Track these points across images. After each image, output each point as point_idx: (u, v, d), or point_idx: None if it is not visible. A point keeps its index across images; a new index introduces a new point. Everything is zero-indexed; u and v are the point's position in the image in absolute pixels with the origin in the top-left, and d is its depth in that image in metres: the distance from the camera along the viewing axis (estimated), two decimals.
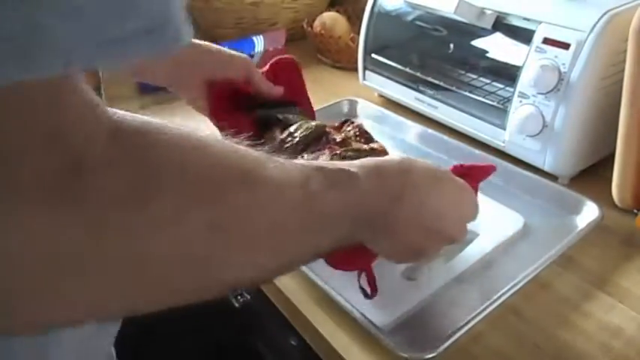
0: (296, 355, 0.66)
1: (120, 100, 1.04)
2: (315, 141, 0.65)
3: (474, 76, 0.81)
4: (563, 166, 0.71)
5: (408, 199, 0.43)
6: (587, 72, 0.65)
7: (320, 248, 0.39)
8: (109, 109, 0.26)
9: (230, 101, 0.68)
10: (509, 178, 0.72)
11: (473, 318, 0.52)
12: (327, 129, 0.67)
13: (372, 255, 0.49)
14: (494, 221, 0.64)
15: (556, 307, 0.55)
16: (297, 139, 0.65)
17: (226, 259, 0.30)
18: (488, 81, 0.79)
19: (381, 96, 0.98)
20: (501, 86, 0.77)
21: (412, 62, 0.89)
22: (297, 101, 0.74)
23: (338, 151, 0.61)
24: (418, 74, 0.87)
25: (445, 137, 0.81)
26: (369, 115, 0.91)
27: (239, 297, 0.79)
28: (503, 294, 0.54)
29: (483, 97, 0.78)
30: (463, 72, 0.82)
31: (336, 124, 0.71)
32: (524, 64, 0.70)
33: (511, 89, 0.73)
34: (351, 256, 0.48)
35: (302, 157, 0.64)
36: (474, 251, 0.61)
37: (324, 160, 0.61)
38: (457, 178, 0.49)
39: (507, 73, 0.74)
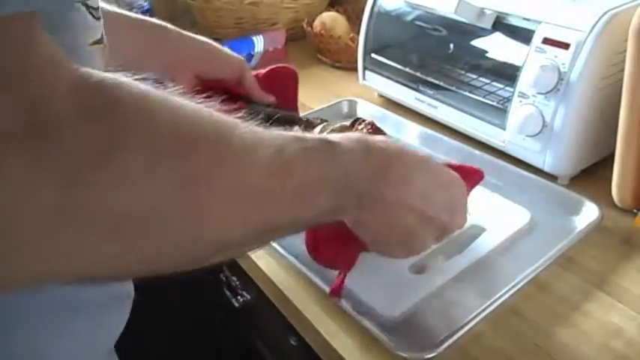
0: (296, 355, 0.66)
1: None
2: None
3: (474, 76, 0.81)
4: (562, 166, 0.71)
5: (392, 175, 0.42)
6: (587, 72, 0.65)
7: (299, 219, 0.38)
8: (74, 64, 0.25)
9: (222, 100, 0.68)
10: (508, 178, 0.72)
11: (473, 318, 0.52)
12: (349, 131, 0.68)
13: (356, 247, 0.48)
14: (500, 215, 0.65)
15: (556, 307, 0.55)
16: None
17: (201, 218, 0.30)
18: (488, 81, 0.79)
19: (380, 96, 0.98)
20: (501, 86, 0.77)
21: (412, 62, 0.89)
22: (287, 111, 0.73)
23: None
24: (418, 74, 0.87)
25: (445, 137, 0.81)
26: (368, 116, 0.91)
27: (239, 297, 0.79)
28: (503, 294, 0.54)
29: (483, 97, 0.78)
30: (463, 72, 0.82)
31: (348, 124, 0.73)
32: (524, 64, 0.70)
33: (511, 89, 0.73)
34: (335, 244, 0.47)
35: None
36: (481, 245, 0.62)
37: None
38: (446, 167, 0.48)
39: (507, 73, 0.74)
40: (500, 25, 0.74)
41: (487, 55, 0.79)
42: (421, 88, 0.86)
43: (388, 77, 0.92)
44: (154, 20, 0.64)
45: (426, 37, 0.86)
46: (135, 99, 0.27)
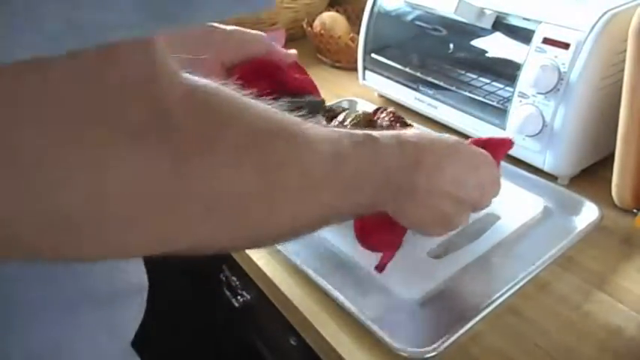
0: (296, 355, 0.66)
1: None
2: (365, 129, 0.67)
3: (474, 76, 0.81)
4: (562, 166, 0.71)
5: (425, 166, 0.45)
6: (586, 72, 0.65)
7: (340, 210, 0.41)
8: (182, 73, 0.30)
9: (250, 86, 0.66)
10: (508, 178, 0.72)
11: (473, 318, 0.52)
12: (372, 119, 0.69)
13: (400, 232, 0.52)
14: (514, 203, 0.67)
15: (556, 307, 0.55)
16: (349, 127, 0.67)
17: (278, 200, 0.35)
18: (488, 81, 0.79)
19: (380, 96, 0.98)
20: (501, 86, 0.77)
21: (412, 62, 0.89)
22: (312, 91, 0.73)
23: None
24: (418, 74, 0.87)
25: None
26: None
27: (239, 297, 0.79)
28: (503, 294, 0.54)
29: (483, 97, 0.78)
30: (463, 72, 0.82)
31: (371, 111, 0.74)
32: (524, 64, 0.70)
33: (511, 89, 0.73)
34: (381, 231, 0.51)
35: None
36: (496, 233, 0.63)
37: None
38: (475, 147, 0.51)
39: (507, 73, 0.74)
40: (500, 25, 0.74)
41: (487, 55, 0.79)
42: (421, 88, 0.86)
43: (388, 77, 0.92)
44: None
45: (426, 37, 0.86)
46: (228, 102, 0.32)
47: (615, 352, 0.50)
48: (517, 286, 0.55)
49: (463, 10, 0.74)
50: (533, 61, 0.69)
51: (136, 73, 0.26)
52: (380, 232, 0.53)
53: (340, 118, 0.70)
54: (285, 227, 0.38)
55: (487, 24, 0.75)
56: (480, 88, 0.79)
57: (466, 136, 0.81)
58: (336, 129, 0.41)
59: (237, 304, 0.79)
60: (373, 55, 0.94)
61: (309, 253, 0.63)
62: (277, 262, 0.62)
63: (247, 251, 0.65)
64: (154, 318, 1.08)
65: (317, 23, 1.17)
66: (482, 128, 0.78)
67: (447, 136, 0.50)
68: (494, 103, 0.76)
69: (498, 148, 0.55)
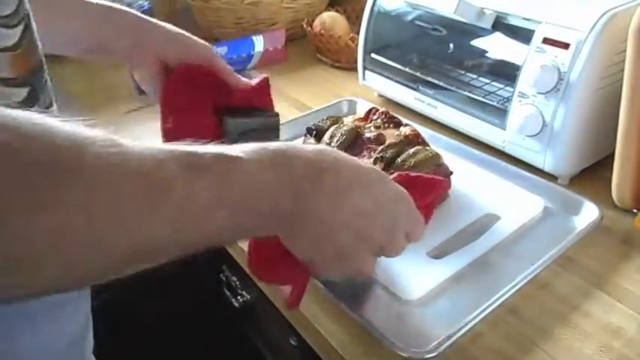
0: (296, 355, 0.66)
1: (119, 100, 1.04)
2: (352, 145, 0.68)
3: (474, 76, 0.81)
4: (562, 166, 0.71)
5: (324, 188, 0.39)
6: (586, 72, 0.65)
7: (187, 242, 0.35)
8: None
9: (188, 91, 0.60)
10: (508, 178, 0.72)
11: (473, 318, 0.52)
12: (359, 130, 0.69)
13: (297, 266, 0.43)
14: (514, 203, 0.67)
15: (556, 307, 0.55)
16: (335, 149, 0.67)
17: (87, 238, 0.30)
18: (488, 81, 0.79)
19: (380, 96, 0.98)
20: (501, 86, 0.77)
21: (412, 62, 0.89)
22: (264, 104, 0.65)
23: (379, 154, 0.65)
24: (418, 74, 0.87)
25: (445, 137, 0.81)
26: None
27: (239, 297, 0.79)
28: (503, 294, 0.54)
29: (483, 97, 0.78)
30: (463, 72, 0.82)
31: (362, 115, 0.75)
32: (523, 64, 0.70)
33: (511, 89, 0.73)
34: (280, 261, 0.43)
35: None
36: (496, 233, 0.63)
37: (365, 163, 0.63)
38: (396, 184, 0.44)
39: (507, 73, 0.74)
40: (500, 25, 0.74)
41: (487, 55, 0.79)
42: (421, 88, 0.86)
43: (388, 77, 0.92)
44: (116, 5, 0.63)
45: (426, 37, 0.86)
46: (17, 131, 0.27)
47: (615, 352, 0.50)
48: (517, 286, 0.55)
49: (463, 10, 0.74)
50: (533, 61, 0.69)
51: None
52: (280, 264, 0.44)
53: (326, 138, 0.70)
54: (100, 266, 0.33)
55: (487, 24, 0.75)
56: (480, 88, 0.79)
57: (466, 136, 0.81)
58: (168, 148, 0.34)
59: (237, 304, 0.79)
60: (373, 55, 0.94)
61: None
62: None
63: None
64: (154, 318, 1.08)
65: (317, 23, 1.17)
66: (482, 128, 0.78)
67: (359, 161, 0.44)
68: (494, 103, 0.76)
69: (427, 189, 0.48)
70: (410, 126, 0.72)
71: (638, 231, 0.64)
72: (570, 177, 0.73)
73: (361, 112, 0.92)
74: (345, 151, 0.67)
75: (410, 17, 0.88)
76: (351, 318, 0.54)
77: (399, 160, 0.64)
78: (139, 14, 0.64)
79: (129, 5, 1.18)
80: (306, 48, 1.22)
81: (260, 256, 0.46)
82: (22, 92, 0.40)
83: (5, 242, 0.27)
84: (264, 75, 0.66)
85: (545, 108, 0.68)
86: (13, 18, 0.37)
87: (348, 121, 0.74)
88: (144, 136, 0.95)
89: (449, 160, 0.69)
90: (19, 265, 0.28)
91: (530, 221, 0.65)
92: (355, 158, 0.43)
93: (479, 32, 0.78)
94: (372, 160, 0.65)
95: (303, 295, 0.49)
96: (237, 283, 0.79)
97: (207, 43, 0.64)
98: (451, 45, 0.83)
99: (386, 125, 0.72)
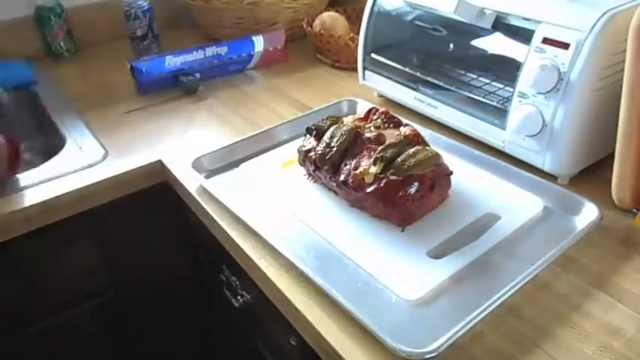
0: (296, 355, 0.66)
1: (119, 100, 1.04)
2: (352, 145, 0.68)
3: (474, 76, 0.81)
4: (562, 166, 0.71)
5: None
6: (586, 72, 0.65)
7: None
8: None
9: None
10: (508, 178, 0.72)
11: (473, 318, 0.52)
12: (359, 130, 0.69)
13: None
14: (514, 203, 0.67)
15: (556, 307, 0.55)
16: (335, 148, 0.68)
17: None
18: (487, 81, 0.79)
19: (380, 96, 0.98)
20: (501, 86, 0.77)
21: (412, 62, 0.89)
22: None
23: (379, 154, 0.65)
24: (418, 74, 0.87)
25: (445, 137, 0.81)
26: None
27: (239, 297, 0.79)
28: (503, 294, 0.54)
29: (483, 97, 0.78)
30: (463, 72, 0.82)
31: (362, 115, 0.75)
32: (523, 64, 0.70)
33: (511, 89, 0.73)
34: None
35: (345, 165, 0.67)
36: (496, 233, 0.63)
37: (365, 163, 0.65)
38: None
39: (507, 73, 0.74)
40: (500, 25, 0.74)
41: (487, 55, 0.79)
42: (421, 88, 0.86)
43: (388, 77, 0.92)
44: None
45: (426, 37, 0.86)
46: None
47: (615, 352, 0.50)
48: (517, 286, 0.55)
49: (463, 10, 0.74)
50: (532, 61, 0.69)
51: None
52: None
53: (326, 139, 0.70)
54: None
55: (487, 24, 0.75)
56: (480, 88, 0.79)
57: (466, 136, 0.81)
58: None
59: (237, 304, 0.79)
60: (373, 55, 0.94)
61: (309, 253, 0.63)
62: (277, 263, 0.62)
63: (247, 251, 0.65)
64: (154, 318, 1.08)
65: (317, 23, 1.17)
66: (482, 128, 0.78)
67: None
68: (494, 103, 0.76)
69: None
70: (410, 126, 0.72)
71: (638, 231, 0.64)
72: (570, 177, 0.73)
73: (361, 112, 0.93)
74: (345, 151, 0.68)
75: (410, 17, 0.88)
76: (351, 318, 0.54)
77: (399, 160, 0.64)
78: None
79: (129, 5, 1.18)
80: (306, 48, 1.22)
81: None
82: None
83: None
84: None
85: (544, 108, 0.68)
86: None
87: (348, 121, 0.74)
88: (144, 136, 0.96)
89: (449, 160, 0.69)
90: None
91: (530, 221, 0.65)
92: None
93: (479, 32, 0.78)
94: (372, 160, 0.65)
95: None
96: (237, 283, 0.79)
97: None
98: (451, 45, 0.83)
99: (386, 125, 0.72)
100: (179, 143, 0.90)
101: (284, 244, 0.63)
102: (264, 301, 0.64)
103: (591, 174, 0.73)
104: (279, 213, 0.70)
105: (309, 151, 0.72)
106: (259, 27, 1.22)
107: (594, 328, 0.53)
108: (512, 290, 0.55)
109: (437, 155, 0.66)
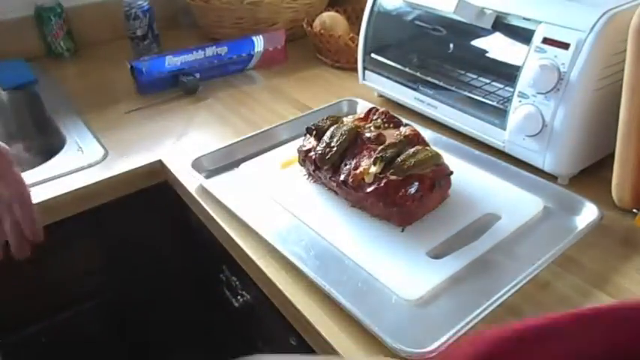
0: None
1: (119, 100, 1.04)
2: (352, 145, 0.68)
3: (474, 76, 0.81)
4: (562, 166, 0.71)
5: None
6: (586, 72, 0.65)
7: None
8: None
9: None
10: (508, 178, 0.72)
11: (473, 318, 0.52)
12: (359, 130, 0.69)
13: None
14: (514, 203, 0.67)
15: (556, 307, 0.55)
16: (335, 148, 0.68)
17: None
18: (487, 81, 0.79)
19: (380, 96, 0.98)
20: (501, 86, 0.77)
21: (412, 62, 0.89)
22: None
23: (379, 154, 0.64)
24: (418, 74, 0.87)
25: (445, 137, 0.81)
26: None
27: (239, 297, 0.79)
28: (503, 294, 0.54)
29: (483, 97, 0.78)
30: (463, 72, 0.82)
31: (362, 115, 0.75)
32: (523, 64, 0.70)
33: (511, 89, 0.73)
34: None
35: (345, 165, 0.68)
36: (496, 233, 0.63)
37: (365, 163, 0.65)
38: None
39: (507, 73, 0.74)
40: (500, 25, 0.74)
41: (487, 55, 0.79)
42: (421, 88, 0.86)
43: (388, 77, 0.92)
44: None
45: (426, 37, 0.86)
46: None
47: None
48: (517, 286, 0.55)
49: (463, 10, 0.74)
50: (532, 61, 0.69)
51: None
52: None
53: (326, 139, 0.70)
54: None
55: (487, 24, 0.75)
56: (480, 88, 0.79)
57: (466, 136, 0.81)
58: None
59: (237, 304, 0.79)
60: (373, 55, 0.94)
61: (309, 253, 0.63)
62: (277, 263, 0.62)
63: (247, 251, 0.65)
64: (154, 318, 1.08)
65: (317, 23, 1.17)
66: (482, 128, 0.78)
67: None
68: (494, 103, 0.76)
69: None
70: (410, 126, 0.72)
71: (638, 231, 0.64)
72: (570, 177, 0.73)
73: (361, 112, 0.93)
74: (345, 151, 0.68)
75: (410, 17, 0.88)
76: (351, 318, 0.54)
77: (399, 160, 0.64)
78: None
79: (129, 5, 1.18)
80: (306, 48, 1.22)
81: None
82: None
83: None
84: None
85: (544, 108, 0.68)
86: None
87: (348, 121, 0.74)
88: (144, 136, 0.96)
89: (449, 160, 0.69)
90: None
91: (530, 221, 0.65)
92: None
93: (479, 32, 0.78)
94: (372, 160, 0.65)
95: None
96: (237, 283, 0.79)
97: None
98: (451, 45, 0.83)
99: (386, 125, 0.72)
100: (179, 143, 0.90)
101: (284, 244, 0.63)
102: (264, 301, 0.64)
103: (591, 174, 0.73)
104: (279, 213, 0.70)
105: (309, 151, 0.72)
106: (259, 27, 1.22)
107: None
108: (513, 290, 0.55)
109: (437, 155, 0.66)
